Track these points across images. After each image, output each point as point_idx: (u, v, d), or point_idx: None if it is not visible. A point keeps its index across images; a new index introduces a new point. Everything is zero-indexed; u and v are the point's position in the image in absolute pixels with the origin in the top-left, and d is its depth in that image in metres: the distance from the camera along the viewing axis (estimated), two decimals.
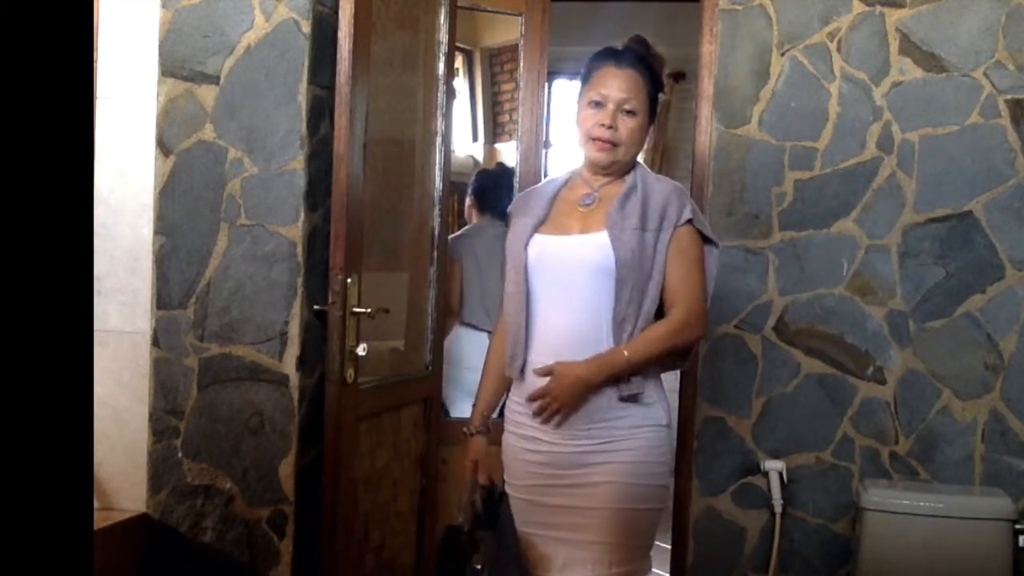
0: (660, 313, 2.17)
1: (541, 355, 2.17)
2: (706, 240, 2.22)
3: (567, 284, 2.17)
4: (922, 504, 2.72)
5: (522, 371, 2.20)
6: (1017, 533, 2.68)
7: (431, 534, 3.09)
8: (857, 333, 2.93)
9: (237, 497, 2.66)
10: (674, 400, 2.97)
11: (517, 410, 2.24)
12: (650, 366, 2.16)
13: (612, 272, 2.12)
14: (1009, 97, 2.86)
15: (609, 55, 2.25)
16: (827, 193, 2.93)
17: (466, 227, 3.86)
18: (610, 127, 2.18)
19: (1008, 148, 2.86)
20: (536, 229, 2.23)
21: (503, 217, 3.45)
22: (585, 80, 2.26)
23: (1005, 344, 2.87)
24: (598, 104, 2.20)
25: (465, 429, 2.37)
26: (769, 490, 2.94)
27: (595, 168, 2.25)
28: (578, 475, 2.14)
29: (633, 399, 2.14)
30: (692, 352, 2.32)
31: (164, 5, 2.69)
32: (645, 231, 2.14)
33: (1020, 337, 2.86)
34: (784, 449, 2.97)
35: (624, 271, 2.11)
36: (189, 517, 2.68)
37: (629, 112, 2.20)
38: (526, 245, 2.22)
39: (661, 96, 2.31)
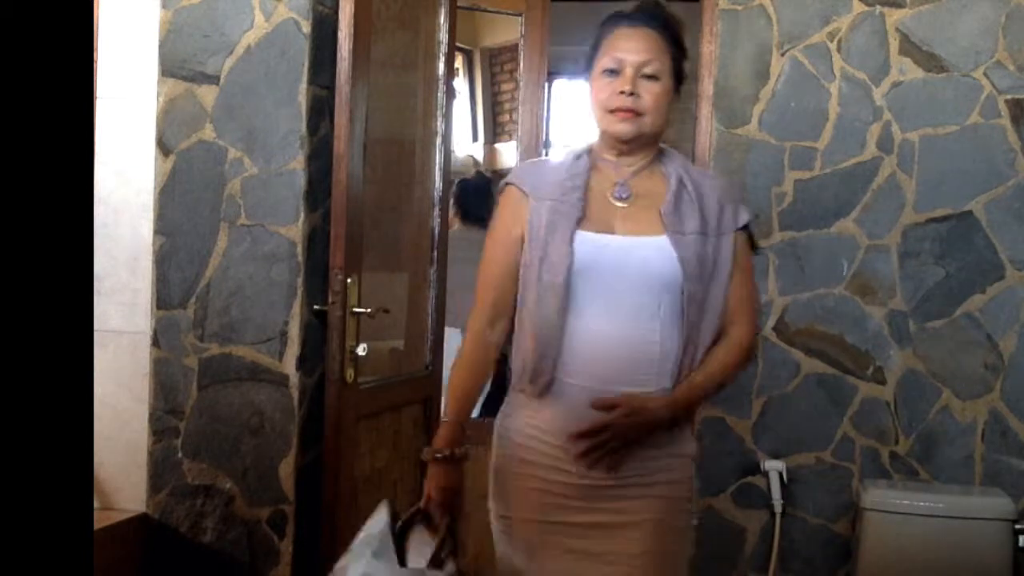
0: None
1: (583, 377, 1.80)
2: (753, 247, 1.95)
3: (620, 294, 1.81)
4: (922, 504, 2.71)
5: (547, 388, 1.83)
6: (1017, 533, 2.68)
7: None
8: (857, 333, 2.93)
9: (237, 497, 2.66)
10: None
11: (532, 433, 1.85)
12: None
13: (677, 284, 1.80)
14: (1009, 97, 2.85)
15: (620, 16, 1.93)
16: (827, 193, 2.93)
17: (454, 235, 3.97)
18: (631, 94, 1.84)
19: (1008, 148, 2.86)
20: (579, 223, 1.84)
21: (482, 225, 3.54)
22: (595, 49, 1.92)
23: (1005, 344, 2.87)
24: (613, 72, 1.86)
25: (436, 452, 1.88)
26: (769, 490, 2.94)
27: (617, 145, 1.89)
28: (608, 512, 1.81)
29: (672, 434, 1.84)
30: None
31: (164, 5, 2.69)
32: (707, 236, 1.83)
33: (1020, 337, 2.86)
34: (784, 449, 2.97)
35: (693, 285, 1.79)
36: (189, 517, 2.68)
37: (651, 77, 1.85)
38: (571, 239, 1.83)
39: (686, 63, 1.96)
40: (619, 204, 1.87)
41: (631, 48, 1.87)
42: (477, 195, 3.95)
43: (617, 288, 1.81)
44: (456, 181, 4.22)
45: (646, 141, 1.89)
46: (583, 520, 1.80)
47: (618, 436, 1.77)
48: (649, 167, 1.91)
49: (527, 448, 1.86)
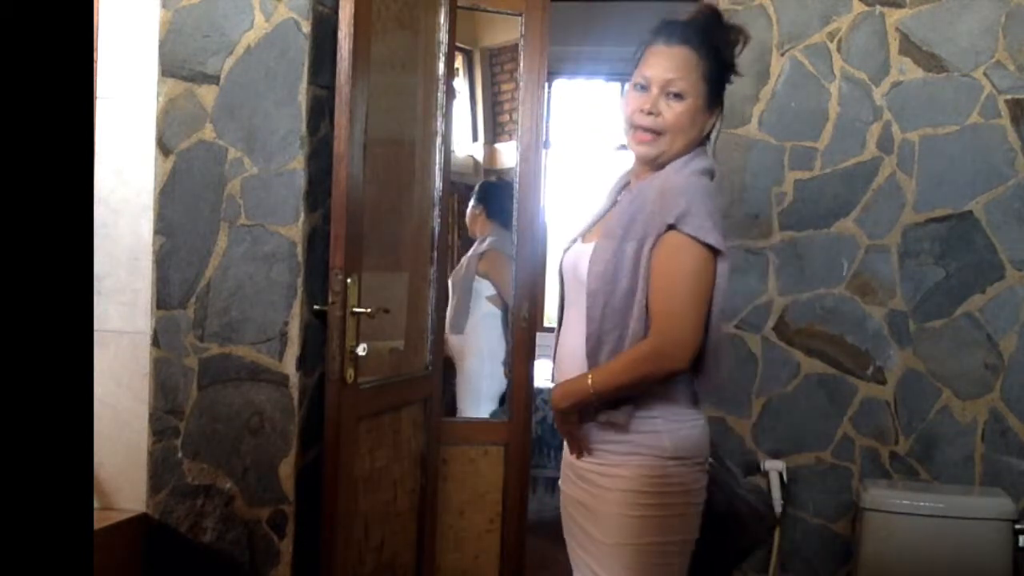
0: None
1: (555, 370, 2.07)
2: (713, 249, 1.88)
3: (570, 297, 2.02)
4: (922, 504, 2.72)
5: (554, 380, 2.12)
6: (1017, 533, 2.68)
7: (431, 534, 3.09)
8: (857, 333, 2.93)
9: (237, 497, 2.66)
10: None
11: None
12: (623, 394, 1.89)
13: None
14: (1009, 97, 2.86)
15: (661, 30, 1.98)
16: (827, 193, 2.93)
17: (496, 233, 3.96)
18: (650, 112, 1.93)
19: (1008, 148, 2.86)
20: (584, 232, 2.06)
21: (509, 225, 3.54)
22: (637, 58, 2.00)
23: (1005, 344, 2.87)
24: (642, 88, 1.95)
25: None
26: (769, 490, 2.94)
27: (642, 161, 2.01)
28: (583, 491, 1.98)
29: (612, 428, 1.91)
30: (697, 380, 1.96)
31: (164, 5, 2.69)
32: (625, 241, 1.89)
33: (1020, 337, 2.86)
34: (784, 449, 2.97)
35: (595, 285, 1.89)
36: (189, 517, 2.68)
37: (676, 95, 1.92)
38: (566, 249, 2.07)
39: (733, 77, 2.03)
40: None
41: (659, 66, 1.94)
42: (501, 194, 3.94)
43: (571, 292, 2.02)
44: (478, 184, 4.27)
45: (671, 157, 1.96)
46: (574, 493, 2.01)
47: (557, 423, 1.99)
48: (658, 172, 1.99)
49: None
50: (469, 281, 3.81)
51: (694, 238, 1.85)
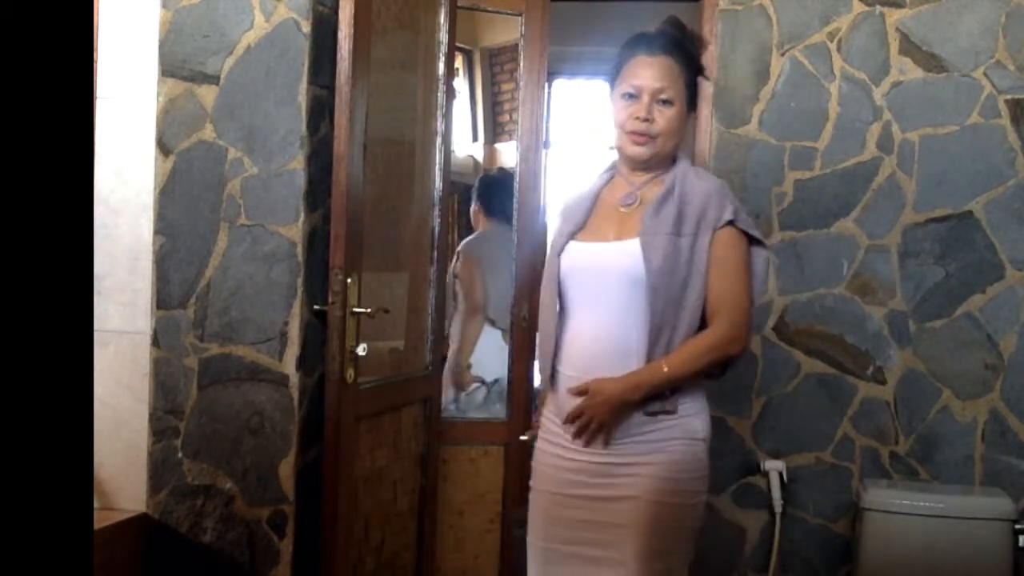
0: (703, 322, 2.06)
1: (571, 367, 2.08)
2: (753, 241, 2.08)
3: (599, 294, 2.06)
4: (922, 504, 2.71)
5: (552, 382, 2.13)
6: (1017, 533, 2.68)
7: (431, 534, 3.09)
8: (857, 333, 2.93)
9: (237, 497, 2.66)
10: None
11: (549, 418, 2.15)
12: (690, 380, 2.04)
13: (643, 281, 2.00)
14: (1009, 97, 2.85)
15: (640, 42, 2.13)
16: (827, 193, 2.93)
17: (478, 232, 3.93)
18: (646, 119, 2.07)
19: (1008, 148, 2.86)
20: (572, 236, 2.14)
21: (510, 221, 3.51)
22: (616, 72, 2.14)
23: (1005, 344, 2.87)
24: (632, 96, 2.09)
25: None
26: (769, 490, 2.94)
27: (634, 164, 2.14)
28: (602, 487, 2.03)
29: (664, 413, 2.02)
30: (729, 365, 2.12)
31: (164, 5, 2.69)
32: (680, 236, 2.01)
33: (1020, 337, 2.86)
34: (784, 449, 2.97)
35: (656, 279, 1.99)
36: (189, 517, 2.68)
37: (665, 102, 2.08)
38: (560, 252, 2.14)
39: (703, 80, 2.20)
40: (624, 211, 2.12)
41: (648, 76, 2.09)
42: (500, 190, 3.83)
43: (595, 289, 2.07)
44: (478, 178, 4.20)
45: (661, 159, 2.12)
46: (584, 493, 2.05)
47: (591, 416, 2.02)
48: (659, 176, 2.12)
49: (545, 430, 2.16)
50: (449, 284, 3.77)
51: (745, 232, 2.06)
